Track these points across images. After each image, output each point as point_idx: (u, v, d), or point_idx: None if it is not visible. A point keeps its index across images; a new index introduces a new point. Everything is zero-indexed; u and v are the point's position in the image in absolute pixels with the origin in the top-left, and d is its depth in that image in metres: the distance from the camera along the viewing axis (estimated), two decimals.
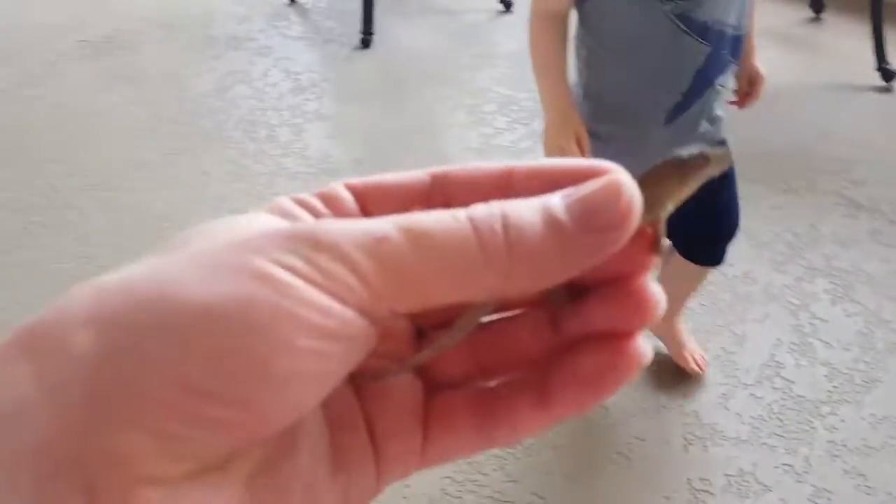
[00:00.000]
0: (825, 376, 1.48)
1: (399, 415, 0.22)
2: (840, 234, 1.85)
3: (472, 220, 0.19)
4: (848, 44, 2.63)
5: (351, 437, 0.21)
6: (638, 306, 0.21)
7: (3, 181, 1.97)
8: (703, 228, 1.25)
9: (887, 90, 2.40)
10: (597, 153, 1.14)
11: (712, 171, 0.23)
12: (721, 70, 1.14)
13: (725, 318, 1.62)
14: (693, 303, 1.53)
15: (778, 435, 1.39)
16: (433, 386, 0.23)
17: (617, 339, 0.21)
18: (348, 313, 0.18)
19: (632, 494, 1.33)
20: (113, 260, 1.71)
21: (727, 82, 1.19)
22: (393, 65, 2.61)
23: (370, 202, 0.23)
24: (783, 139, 2.20)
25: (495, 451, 1.36)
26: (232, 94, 2.37)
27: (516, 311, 0.23)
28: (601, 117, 1.19)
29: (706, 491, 1.31)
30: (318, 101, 2.37)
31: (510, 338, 0.23)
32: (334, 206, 0.22)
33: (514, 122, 2.31)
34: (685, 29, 1.07)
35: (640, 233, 0.20)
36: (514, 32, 2.91)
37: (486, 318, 0.23)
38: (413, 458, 0.22)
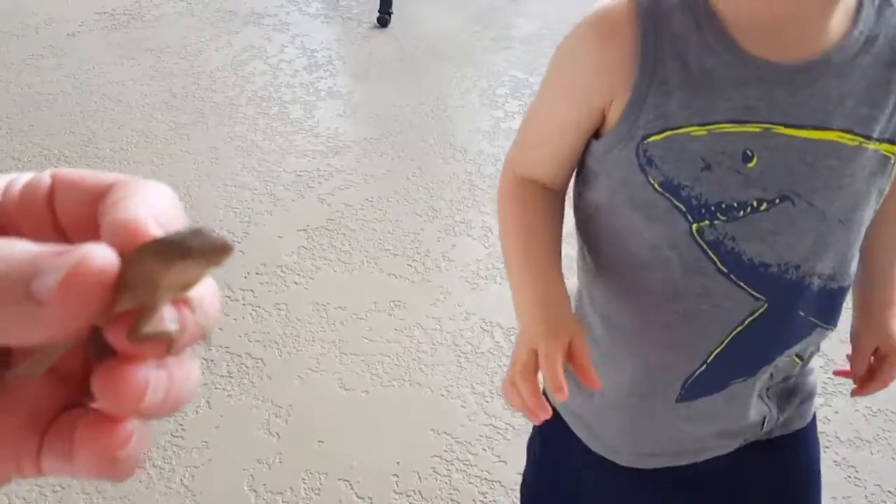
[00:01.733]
0: (821, 367, 1.47)
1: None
2: None
3: None
4: None
5: None
6: (120, 390, 0.20)
7: (16, 151, 2.01)
8: None
9: None
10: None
11: (205, 264, 0.20)
12: (788, 339, 0.72)
13: None
14: None
15: None
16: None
17: (107, 418, 0.21)
18: None
19: None
20: None
21: (809, 349, 0.76)
22: (409, 45, 2.61)
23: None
24: None
25: (485, 433, 1.38)
26: (247, 70, 2.38)
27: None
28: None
29: None
30: (332, 79, 2.37)
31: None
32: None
33: (525, 106, 2.30)
34: (719, 264, 0.66)
35: (126, 314, 0.20)
36: (532, 15, 2.89)
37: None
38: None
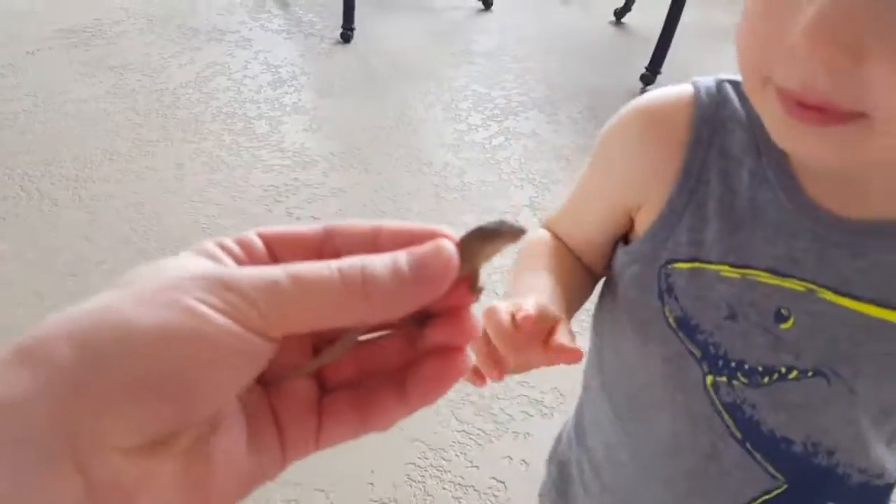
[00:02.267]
0: None
1: (298, 409, 0.29)
2: None
3: (339, 269, 0.26)
4: None
5: (262, 423, 0.28)
6: (463, 329, 0.29)
7: None
8: None
9: None
10: None
11: (510, 241, 0.30)
12: None
13: None
14: None
15: None
16: (328, 387, 0.31)
17: (451, 351, 0.29)
18: (248, 335, 0.25)
19: None
20: (85, 251, 1.74)
21: None
22: (372, 60, 2.64)
23: (277, 249, 0.30)
24: None
25: (458, 438, 1.41)
26: (211, 86, 2.39)
27: (385, 333, 0.31)
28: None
29: None
30: (297, 95, 2.39)
31: (381, 352, 0.31)
32: (248, 250, 0.29)
33: (488, 120, 2.35)
34: (733, 429, 0.56)
35: (462, 279, 0.28)
36: (493, 31, 2.95)
37: (364, 338, 0.31)
38: (310, 441, 0.29)
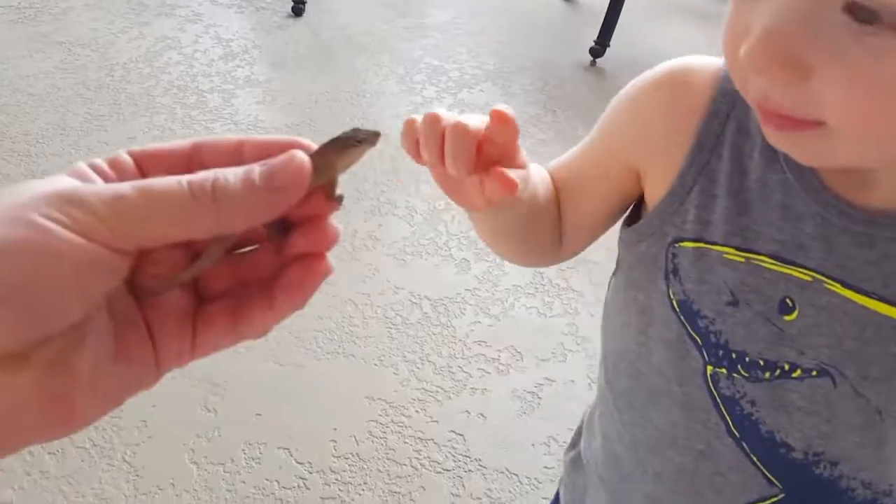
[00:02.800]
0: None
1: (171, 320, 0.30)
2: None
3: (189, 181, 0.27)
4: None
5: (132, 335, 0.29)
6: (323, 237, 0.31)
7: None
8: None
9: None
10: None
11: (366, 147, 0.31)
12: None
13: None
14: None
15: None
16: (207, 298, 0.32)
17: (312, 258, 0.31)
18: (95, 248, 0.25)
19: (538, 428, 1.43)
20: None
21: None
22: (325, 33, 2.65)
23: (146, 165, 0.31)
24: None
25: (418, 396, 1.45)
26: (161, 61, 2.37)
27: (254, 246, 0.33)
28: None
29: None
30: (250, 68, 2.39)
31: (254, 262, 0.32)
32: (118, 169, 0.30)
33: (442, 92, 2.38)
34: (731, 426, 0.54)
35: (320, 188, 0.30)
36: (446, 4, 2.97)
37: (242, 251, 0.32)
38: (185, 351, 0.30)
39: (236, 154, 0.31)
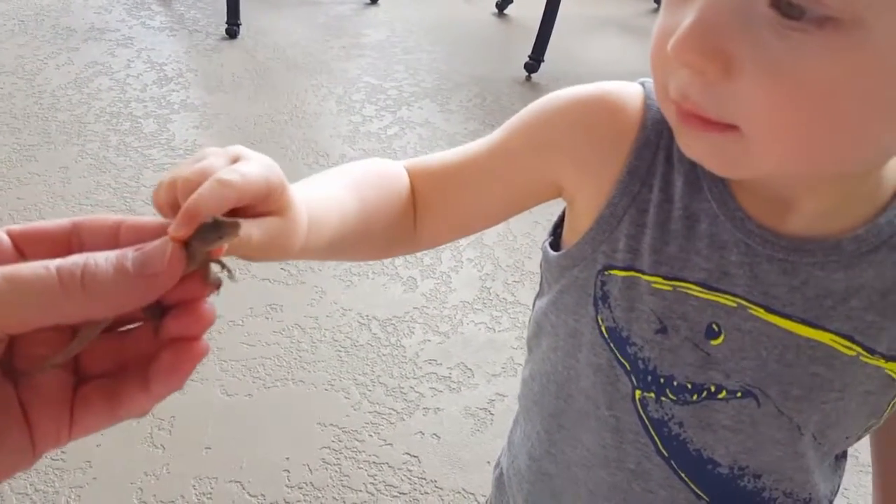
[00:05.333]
0: None
1: (49, 401, 0.30)
2: None
3: (58, 268, 0.27)
4: None
5: (6, 417, 0.29)
6: (196, 320, 0.31)
7: None
8: None
9: None
10: None
11: (227, 235, 0.31)
12: None
13: None
14: None
15: None
16: (85, 378, 0.31)
17: (186, 341, 0.31)
18: None
19: (492, 445, 1.44)
20: None
21: None
22: (261, 55, 2.62)
23: (25, 245, 0.30)
24: None
25: (370, 419, 1.44)
26: (92, 87, 2.31)
27: (135, 325, 0.33)
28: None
29: None
30: (185, 92, 2.35)
31: (134, 342, 0.32)
32: None
33: (381, 110, 2.39)
34: (660, 446, 0.55)
35: (195, 273, 0.30)
36: (381, 23, 2.99)
37: (125, 329, 0.32)
38: (62, 433, 0.30)
39: (114, 234, 0.31)
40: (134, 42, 2.59)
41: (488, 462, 1.40)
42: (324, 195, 0.47)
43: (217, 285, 0.31)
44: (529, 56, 2.63)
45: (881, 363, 0.49)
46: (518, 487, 0.68)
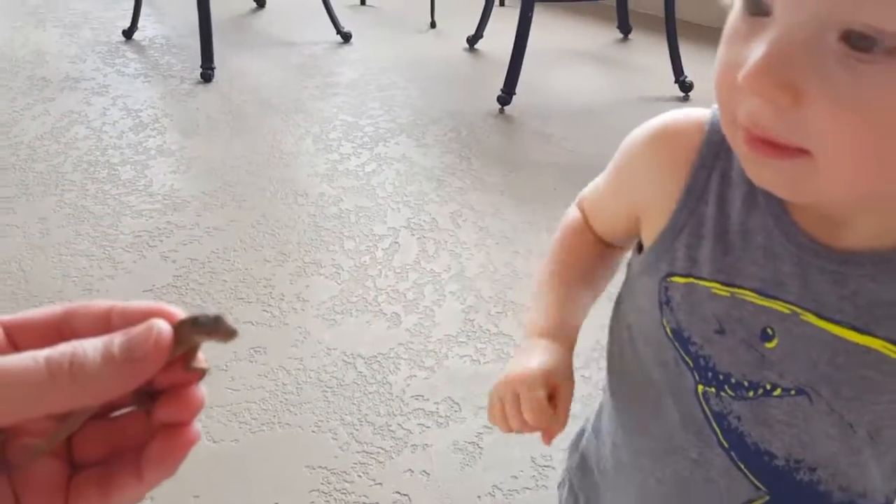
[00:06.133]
0: None
1: (43, 491, 0.30)
2: None
3: (46, 358, 0.27)
4: (652, 61, 2.93)
5: None
6: (185, 405, 0.31)
7: None
8: None
9: (685, 99, 2.71)
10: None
11: (220, 339, 0.31)
12: None
13: None
14: None
15: None
16: (79, 466, 0.31)
17: (177, 427, 0.31)
18: None
19: (482, 478, 1.44)
20: None
21: None
22: (237, 97, 2.64)
23: (16, 335, 0.31)
24: (598, 148, 2.42)
25: (359, 459, 1.44)
26: (69, 136, 2.32)
27: (127, 409, 0.33)
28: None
29: (550, 466, 1.44)
30: (161, 137, 2.36)
31: (126, 428, 0.32)
32: None
33: (358, 148, 2.41)
34: (721, 438, 0.59)
35: (182, 357, 0.30)
36: (354, 62, 3.03)
37: (116, 414, 0.32)
38: None
39: (105, 320, 0.31)
40: (109, 90, 2.60)
41: (479, 496, 1.40)
42: (574, 319, 0.65)
43: (202, 373, 0.31)
44: (501, 89, 2.68)
45: None
46: (601, 473, 0.72)
